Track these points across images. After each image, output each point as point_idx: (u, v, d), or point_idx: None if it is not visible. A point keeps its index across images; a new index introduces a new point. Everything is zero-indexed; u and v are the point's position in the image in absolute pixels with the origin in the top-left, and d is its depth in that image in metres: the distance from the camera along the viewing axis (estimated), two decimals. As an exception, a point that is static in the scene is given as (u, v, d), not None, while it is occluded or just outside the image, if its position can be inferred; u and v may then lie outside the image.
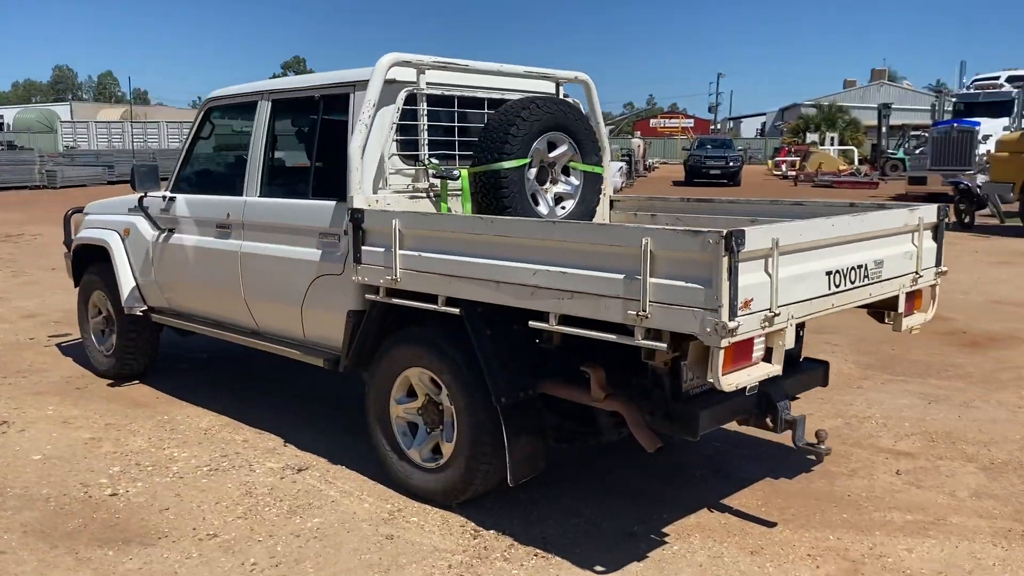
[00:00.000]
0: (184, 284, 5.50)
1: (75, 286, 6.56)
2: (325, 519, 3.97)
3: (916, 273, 3.99)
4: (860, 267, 3.57)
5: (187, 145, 5.55)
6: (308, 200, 4.59)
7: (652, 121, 78.96)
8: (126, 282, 5.86)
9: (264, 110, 4.93)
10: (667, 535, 3.82)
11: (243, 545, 3.74)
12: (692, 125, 74.13)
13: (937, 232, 4.14)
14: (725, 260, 2.83)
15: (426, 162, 4.43)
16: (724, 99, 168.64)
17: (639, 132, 54.76)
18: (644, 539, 3.78)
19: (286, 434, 5.08)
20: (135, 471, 4.57)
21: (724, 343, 2.89)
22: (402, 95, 4.29)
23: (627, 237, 3.08)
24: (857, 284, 3.57)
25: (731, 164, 31.00)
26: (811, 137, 48.19)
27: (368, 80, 4.24)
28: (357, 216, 4.09)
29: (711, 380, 3.02)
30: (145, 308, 5.85)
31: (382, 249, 4.01)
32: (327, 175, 4.57)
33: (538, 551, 3.66)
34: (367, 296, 4.16)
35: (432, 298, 3.88)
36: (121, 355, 6.09)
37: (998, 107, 22.27)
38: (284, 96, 4.88)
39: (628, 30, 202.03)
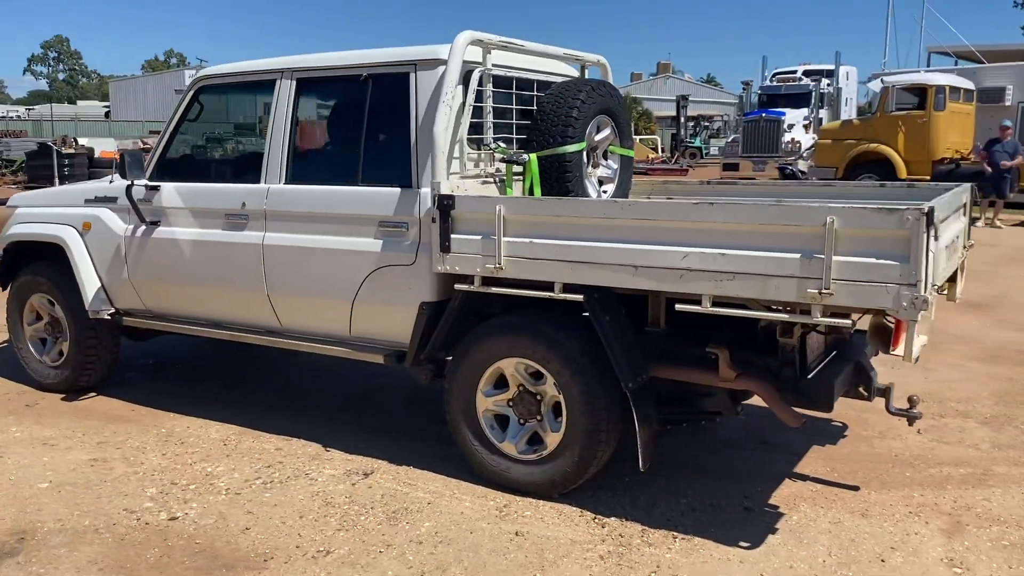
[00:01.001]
0: (175, 282, 4.94)
1: (3, 289, 5.74)
2: (436, 523, 3.76)
3: (964, 247, 4.36)
4: (953, 240, 3.85)
5: (171, 128, 4.98)
6: (360, 187, 4.28)
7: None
8: (89, 283, 5.20)
9: (287, 90, 4.52)
10: (777, 507, 3.94)
11: (366, 559, 3.47)
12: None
13: (967, 209, 4.53)
14: (925, 236, 2.96)
15: (492, 146, 4.27)
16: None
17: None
18: (761, 513, 3.88)
19: (317, 438, 4.73)
20: (178, 492, 4.10)
21: (920, 316, 3.03)
22: (476, 75, 4.12)
23: (808, 216, 3.14)
24: (952, 256, 3.85)
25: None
26: (609, 126, 50.36)
27: (432, 59, 4.09)
28: (446, 203, 3.88)
29: (896, 353, 3.16)
30: (113, 311, 5.23)
31: (478, 237, 3.84)
32: (382, 160, 4.29)
33: (675, 533, 3.67)
34: (456, 286, 3.96)
35: (536, 285, 3.78)
36: (78, 365, 5.41)
37: (798, 98, 24.31)
38: (317, 75, 4.47)
39: (418, 28, 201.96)
